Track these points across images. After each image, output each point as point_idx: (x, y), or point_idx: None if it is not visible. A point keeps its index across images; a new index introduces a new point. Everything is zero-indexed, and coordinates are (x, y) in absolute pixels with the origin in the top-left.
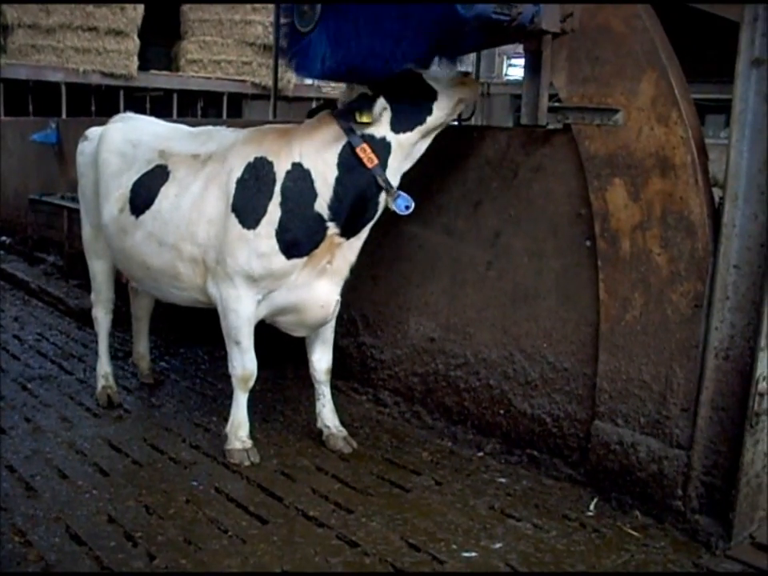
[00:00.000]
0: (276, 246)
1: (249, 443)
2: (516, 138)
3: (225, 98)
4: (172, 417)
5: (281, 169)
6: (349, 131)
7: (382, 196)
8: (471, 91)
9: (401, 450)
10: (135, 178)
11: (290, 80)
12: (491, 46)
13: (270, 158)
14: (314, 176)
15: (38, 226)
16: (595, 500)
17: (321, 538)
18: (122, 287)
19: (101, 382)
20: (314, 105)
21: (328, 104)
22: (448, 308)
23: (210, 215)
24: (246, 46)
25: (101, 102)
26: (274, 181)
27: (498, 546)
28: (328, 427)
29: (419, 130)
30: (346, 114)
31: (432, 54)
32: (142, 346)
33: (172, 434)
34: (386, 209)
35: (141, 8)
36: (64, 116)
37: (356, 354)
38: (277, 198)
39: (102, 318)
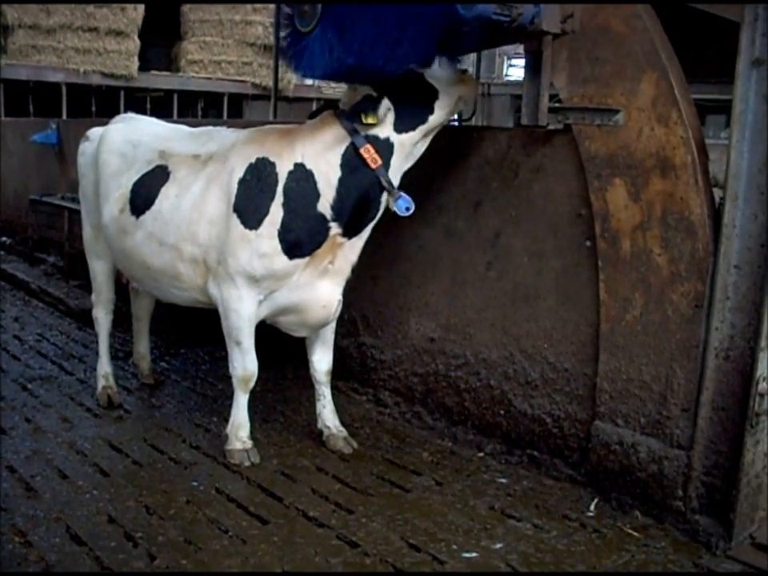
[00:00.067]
0: (278, 247)
1: (249, 444)
2: (516, 138)
3: (225, 99)
4: (172, 417)
5: (283, 169)
6: (352, 132)
7: (384, 196)
8: (470, 89)
9: (401, 450)
10: (135, 178)
11: (291, 80)
12: (492, 46)
13: (271, 159)
14: (316, 176)
15: (38, 226)
16: (595, 500)
17: (321, 538)
18: (122, 287)
19: (101, 383)
20: (314, 105)
21: (328, 104)
22: (448, 308)
23: (211, 215)
24: (246, 47)
25: (101, 102)
26: (276, 181)
27: (498, 546)
28: (328, 428)
29: (421, 129)
30: (349, 115)
31: (433, 53)
32: (142, 347)
33: (172, 435)
34: (387, 209)
35: (141, 8)
36: (64, 116)
37: (356, 354)
38: (279, 198)
39: (103, 318)
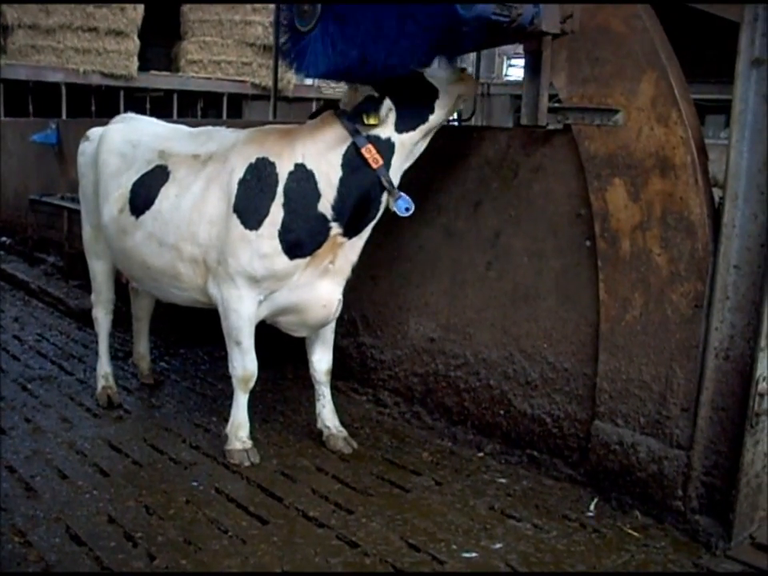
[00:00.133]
0: (279, 247)
1: (249, 444)
2: (516, 138)
3: (225, 99)
4: (172, 417)
5: (283, 169)
6: (354, 132)
7: (385, 196)
8: (470, 87)
9: (401, 450)
10: (135, 178)
11: (290, 81)
12: (491, 45)
13: (272, 159)
14: (317, 177)
15: (38, 226)
16: (595, 500)
17: (321, 538)
18: (122, 287)
19: (101, 383)
20: (314, 105)
21: (328, 105)
22: (448, 308)
23: (211, 216)
24: (246, 47)
25: (101, 102)
26: (276, 182)
27: (498, 546)
28: (328, 428)
29: (422, 128)
30: (351, 116)
31: (432, 53)
32: (142, 347)
33: (172, 435)
34: (387, 209)
35: (141, 8)
36: (64, 116)
37: (356, 354)
38: (279, 198)
39: (102, 318)
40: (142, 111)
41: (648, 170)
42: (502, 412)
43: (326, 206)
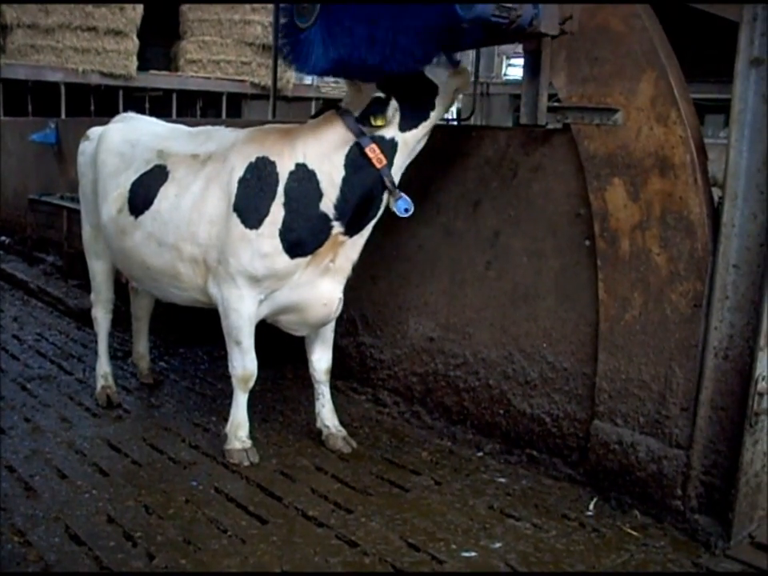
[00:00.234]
0: (279, 246)
1: (248, 443)
2: (515, 137)
3: (224, 98)
4: (171, 417)
5: (284, 169)
6: (358, 132)
7: (386, 194)
8: (465, 80)
9: (400, 449)
10: (134, 178)
11: (289, 80)
12: (491, 44)
13: (272, 158)
14: (319, 176)
15: (37, 226)
16: (594, 500)
17: (320, 537)
18: (121, 287)
19: (100, 382)
20: (313, 104)
21: (328, 104)
22: (447, 308)
23: (211, 215)
24: (245, 46)
25: (100, 102)
26: (276, 181)
27: (497, 545)
28: (327, 427)
29: (424, 125)
30: (358, 117)
31: (432, 52)
32: (141, 346)
33: (171, 434)
34: (387, 208)
35: (140, 8)
36: (63, 116)
37: (355, 353)
38: (280, 198)
39: (102, 317)
40: (141, 111)
41: (647, 170)
42: (501, 411)
43: (328, 205)
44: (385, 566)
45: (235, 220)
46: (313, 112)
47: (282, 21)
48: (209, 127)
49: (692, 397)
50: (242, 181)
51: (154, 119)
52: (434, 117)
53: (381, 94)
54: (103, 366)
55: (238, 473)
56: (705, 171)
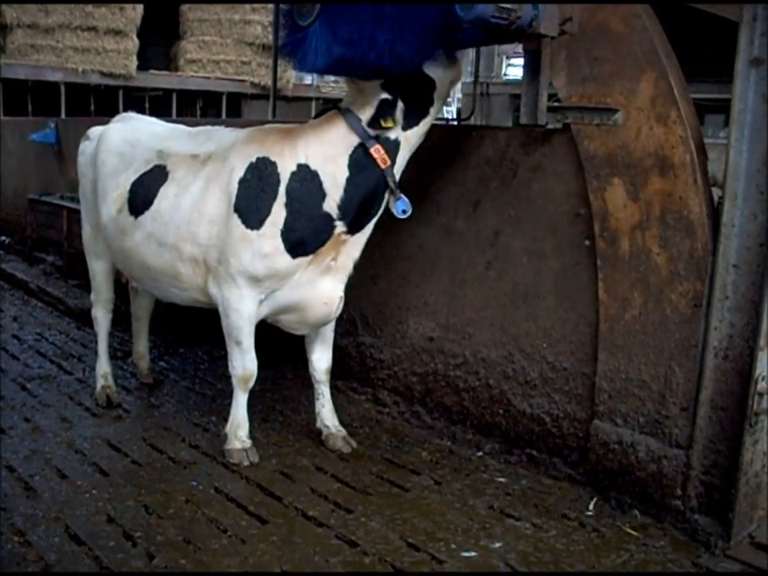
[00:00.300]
0: (281, 246)
1: (248, 443)
2: (515, 137)
3: (224, 98)
4: (171, 417)
5: (285, 169)
6: (362, 133)
7: (387, 193)
8: (459, 72)
9: (400, 449)
10: (133, 178)
11: (289, 80)
12: (491, 43)
13: (272, 158)
14: (322, 177)
15: (37, 225)
16: (594, 500)
17: (320, 537)
18: (121, 287)
19: (100, 382)
20: (313, 104)
21: (328, 104)
22: (447, 308)
23: (212, 215)
24: (245, 46)
25: (100, 101)
26: (278, 181)
27: (497, 545)
28: (327, 427)
29: (425, 122)
30: (354, 114)
31: (432, 50)
32: (141, 346)
33: (171, 434)
34: (387, 209)
35: (140, 8)
36: (63, 116)
37: (355, 353)
38: (282, 198)
39: (102, 317)
40: (141, 110)
41: (647, 170)
42: (501, 411)
43: (331, 205)
44: (385, 566)
45: (236, 220)
46: (313, 111)
47: (282, 20)
48: (208, 127)
49: (692, 397)
50: (242, 181)
51: (153, 119)
52: (433, 113)
53: (387, 96)
54: (103, 365)
55: (238, 473)
56: (705, 171)
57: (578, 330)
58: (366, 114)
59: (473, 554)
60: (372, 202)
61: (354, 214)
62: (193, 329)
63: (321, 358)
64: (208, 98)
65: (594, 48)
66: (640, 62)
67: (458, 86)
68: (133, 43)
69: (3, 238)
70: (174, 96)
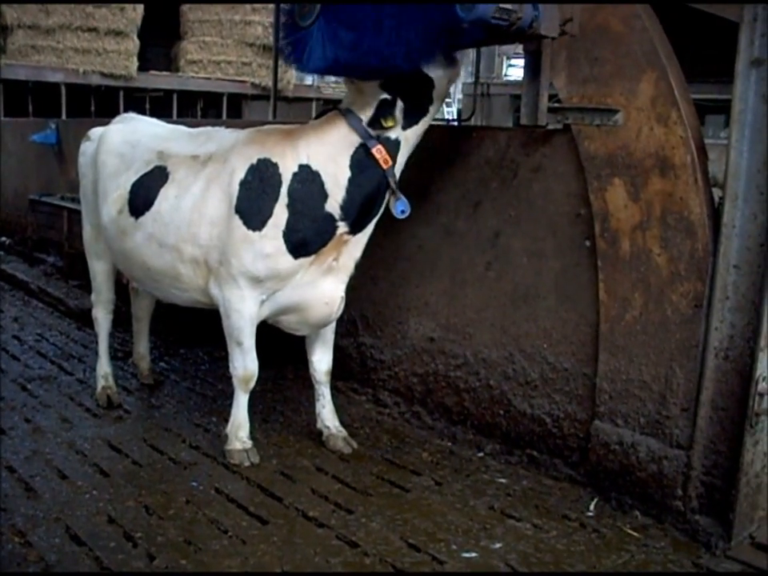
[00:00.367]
0: (283, 247)
1: (249, 444)
2: (516, 138)
3: (224, 99)
4: (172, 417)
5: (287, 170)
6: (364, 133)
7: (388, 193)
8: (457, 71)
9: (401, 450)
10: (134, 179)
11: (290, 81)
12: (491, 44)
13: (274, 159)
14: (324, 178)
15: (37, 226)
16: (595, 500)
17: (321, 538)
18: (122, 288)
19: (101, 383)
20: (313, 105)
21: (327, 104)
22: (448, 308)
23: (212, 216)
24: (245, 47)
25: (100, 102)
26: (279, 182)
27: (497, 546)
28: (328, 428)
29: (424, 121)
30: (355, 114)
31: (432, 51)
32: (142, 347)
33: (172, 435)
34: (386, 209)
35: (140, 8)
36: (64, 117)
37: (356, 354)
38: (283, 199)
39: (102, 318)
40: (142, 111)
41: (648, 170)
42: (501, 412)
43: (333, 206)
44: (385, 567)
45: (237, 222)
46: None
47: (283, 21)
48: (209, 128)
49: (692, 397)
50: (243, 183)
51: (154, 120)
52: (432, 111)
53: (387, 96)
54: (104, 366)
55: (239, 473)
56: (705, 171)
57: (579, 331)
58: (366, 114)
59: (473, 554)
60: (374, 202)
61: (356, 214)
62: (193, 330)
63: (321, 359)
64: (208, 99)
65: (594, 48)
66: (640, 63)
67: (459, 86)
68: (133, 44)
69: (4, 238)
70: (175, 97)
